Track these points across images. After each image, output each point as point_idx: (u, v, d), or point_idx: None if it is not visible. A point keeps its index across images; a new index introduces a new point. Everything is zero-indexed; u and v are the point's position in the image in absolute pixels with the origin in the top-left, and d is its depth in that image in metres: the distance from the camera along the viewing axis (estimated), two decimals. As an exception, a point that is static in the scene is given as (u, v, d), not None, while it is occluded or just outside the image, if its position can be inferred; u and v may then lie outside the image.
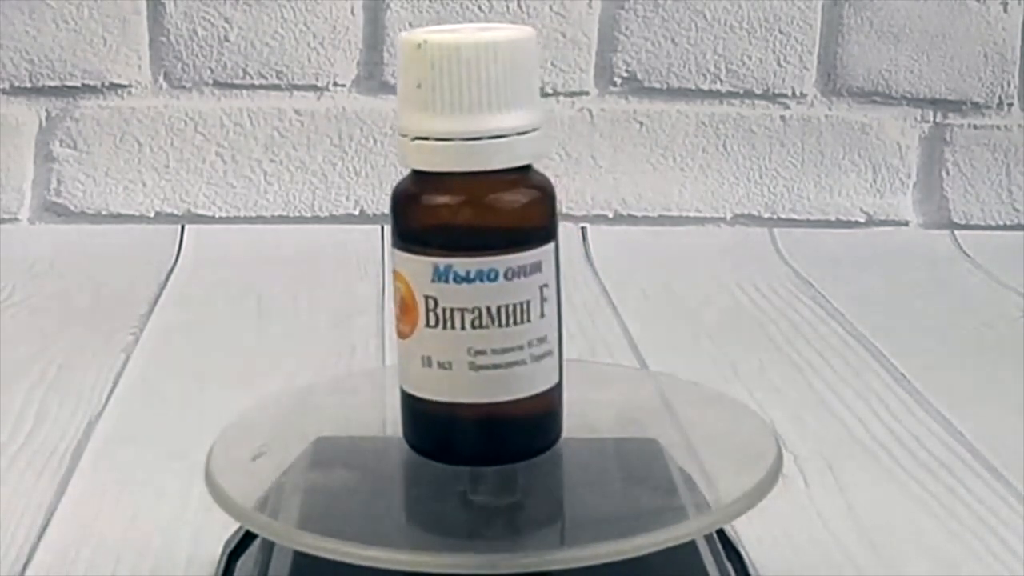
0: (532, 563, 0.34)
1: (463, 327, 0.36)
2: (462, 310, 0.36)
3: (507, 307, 0.36)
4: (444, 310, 0.36)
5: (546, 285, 0.37)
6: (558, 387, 0.38)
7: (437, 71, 0.36)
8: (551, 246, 0.37)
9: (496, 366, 0.36)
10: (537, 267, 0.37)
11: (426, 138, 0.36)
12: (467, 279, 0.36)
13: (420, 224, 0.37)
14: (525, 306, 0.36)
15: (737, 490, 0.36)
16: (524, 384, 0.37)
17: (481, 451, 0.38)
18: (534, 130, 0.37)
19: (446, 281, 0.36)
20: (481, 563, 0.34)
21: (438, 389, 0.37)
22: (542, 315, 0.37)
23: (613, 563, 0.34)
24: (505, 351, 0.36)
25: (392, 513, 0.39)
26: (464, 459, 0.38)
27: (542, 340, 0.37)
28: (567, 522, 0.38)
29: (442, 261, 0.36)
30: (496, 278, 0.36)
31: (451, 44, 0.36)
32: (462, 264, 0.36)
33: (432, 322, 0.36)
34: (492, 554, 0.34)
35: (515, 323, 0.36)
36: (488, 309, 0.36)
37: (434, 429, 0.38)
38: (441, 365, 0.37)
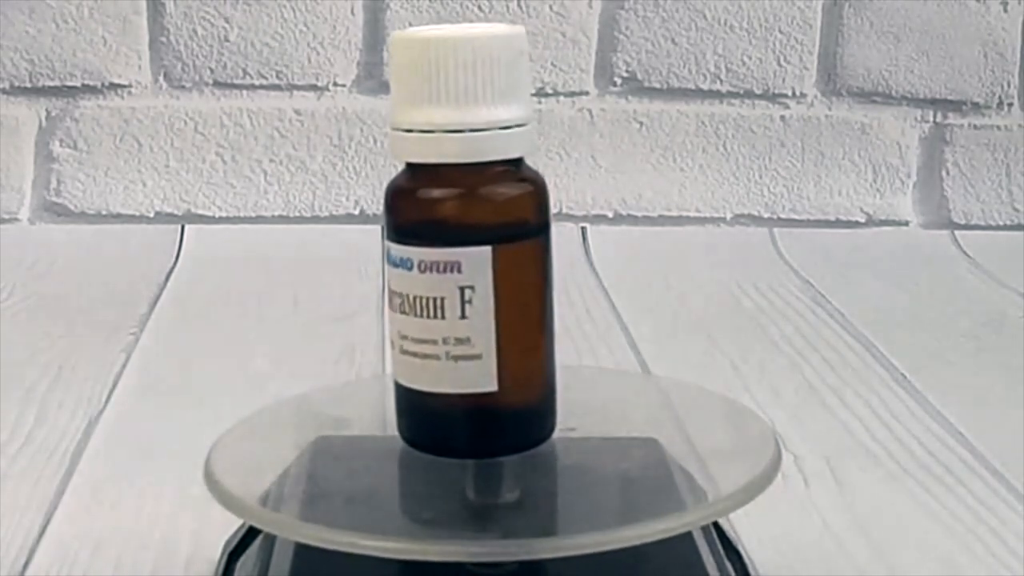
0: (529, 552, 0.34)
1: (394, 309, 0.38)
2: (394, 293, 0.38)
3: (421, 299, 0.37)
4: (390, 291, 0.38)
5: (471, 287, 0.36)
6: (505, 395, 0.37)
7: (395, 64, 0.37)
8: (483, 251, 0.36)
9: (415, 354, 0.37)
10: (454, 267, 0.36)
11: (394, 128, 0.38)
12: (395, 264, 0.37)
13: (392, 211, 0.38)
14: (438, 303, 0.37)
15: (735, 484, 0.36)
16: (438, 380, 0.37)
17: (431, 440, 0.38)
18: (486, 129, 0.36)
19: (388, 263, 0.38)
20: (477, 552, 0.34)
21: (391, 365, 0.39)
22: (462, 316, 0.37)
23: (614, 563, 0.34)
24: (421, 342, 0.37)
25: (392, 506, 0.39)
26: (417, 444, 0.39)
27: (462, 342, 0.37)
28: (564, 514, 0.38)
29: (388, 244, 0.38)
30: (411, 268, 0.37)
31: (409, 39, 0.36)
32: (393, 250, 0.38)
33: (387, 300, 0.38)
34: (488, 543, 0.34)
35: (428, 316, 0.37)
36: (407, 297, 0.37)
37: (399, 405, 0.39)
38: (392, 343, 0.38)
